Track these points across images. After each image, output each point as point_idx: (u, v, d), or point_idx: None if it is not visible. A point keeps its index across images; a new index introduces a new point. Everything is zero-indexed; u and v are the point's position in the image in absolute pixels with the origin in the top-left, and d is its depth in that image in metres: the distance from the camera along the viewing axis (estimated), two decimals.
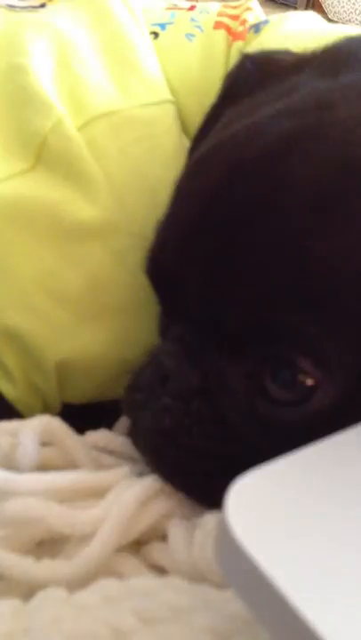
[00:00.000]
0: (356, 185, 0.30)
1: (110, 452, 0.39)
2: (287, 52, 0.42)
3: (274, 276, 0.30)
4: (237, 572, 0.22)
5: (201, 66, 0.49)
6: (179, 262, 0.34)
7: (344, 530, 0.23)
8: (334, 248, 0.30)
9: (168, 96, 0.48)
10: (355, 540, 0.23)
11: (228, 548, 0.22)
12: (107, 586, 0.28)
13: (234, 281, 0.31)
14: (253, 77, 0.39)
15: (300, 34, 0.49)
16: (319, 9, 3.35)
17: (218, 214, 0.32)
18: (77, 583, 0.30)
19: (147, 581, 0.29)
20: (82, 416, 0.43)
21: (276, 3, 3.73)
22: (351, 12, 3.27)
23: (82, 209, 0.43)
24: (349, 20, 3.26)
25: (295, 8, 3.68)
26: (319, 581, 0.21)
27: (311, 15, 0.55)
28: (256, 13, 0.53)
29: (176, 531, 0.33)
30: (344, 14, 3.30)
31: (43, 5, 0.54)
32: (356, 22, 3.22)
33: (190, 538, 0.32)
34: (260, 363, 0.32)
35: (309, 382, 0.31)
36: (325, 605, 0.20)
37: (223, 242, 0.32)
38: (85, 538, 0.33)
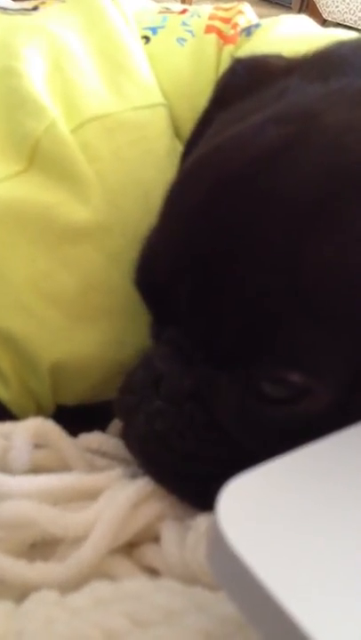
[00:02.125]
0: (343, 191, 0.30)
1: (103, 454, 0.39)
2: (278, 57, 0.42)
3: (263, 290, 0.30)
4: (229, 574, 0.22)
5: (192, 70, 0.49)
6: (168, 278, 0.34)
7: (336, 532, 0.23)
8: (324, 257, 0.29)
9: (160, 99, 0.48)
10: (346, 543, 0.23)
11: (220, 550, 0.23)
12: (99, 588, 0.28)
13: (223, 298, 0.31)
14: (244, 82, 0.39)
15: (291, 38, 0.49)
16: (313, 8, 3.35)
17: (206, 230, 0.32)
18: (70, 585, 0.30)
19: (139, 584, 0.29)
20: (75, 418, 0.44)
21: (271, 2, 3.74)
22: (346, 12, 3.27)
23: (75, 211, 0.43)
24: (344, 20, 3.27)
25: (290, 7, 3.68)
26: (310, 584, 0.21)
27: (303, 19, 0.55)
28: (248, 17, 0.54)
29: (169, 532, 0.33)
30: (338, 14, 3.31)
31: (35, 8, 0.54)
32: (351, 22, 3.23)
33: (183, 540, 0.33)
34: (251, 375, 0.32)
35: (300, 386, 0.31)
36: (317, 608, 0.20)
37: (211, 258, 0.32)
38: (78, 540, 0.33)
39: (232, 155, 0.33)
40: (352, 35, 0.49)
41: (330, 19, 3.34)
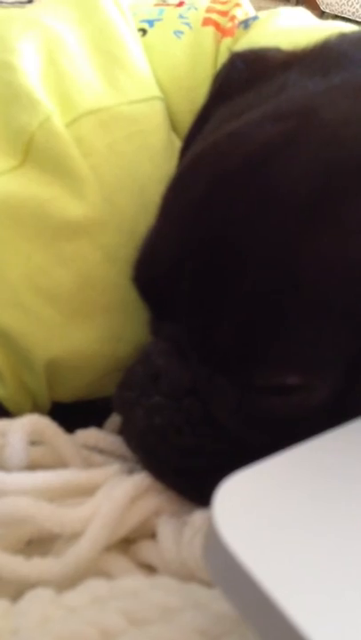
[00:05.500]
0: (340, 186, 0.29)
1: (100, 451, 0.39)
2: (277, 50, 0.41)
3: (261, 287, 0.30)
4: (224, 572, 0.22)
5: (189, 63, 0.49)
6: (167, 275, 0.34)
7: (331, 530, 0.23)
8: (321, 252, 0.29)
9: (157, 93, 0.47)
10: (342, 540, 0.23)
11: (215, 548, 0.23)
12: (95, 586, 0.28)
13: (221, 295, 0.31)
14: (243, 76, 0.39)
15: (289, 30, 0.49)
16: (311, 0, 3.33)
17: (204, 227, 0.32)
18: (67, 582, 0.30)
19: (135, 581, 0.29)
20: (72, 414, 0.43)
21: None
22: (343, 4, 3.26)
23: (70, 206, 0.42)
24: (341, 12, 3.25)
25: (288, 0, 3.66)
26: (306, 582, 0.21)
27: (301, 11, 0.54)
28: (245, 9, 0.53)
29: (165, 528, 0.33)
30: (336, 5, 3.29)
31: (30, 1, 0.53)
32: (349, 14, 3.21)
33: (180, 535, 0.32)
34: (248, 379, 0.32)
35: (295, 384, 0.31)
36: (312, 606, 0.20)
37: (210, 255, 0.32)
38: (75, 536, 0.32)
39: (231, 151, 0.33)
40: (351, 27, 0.48)
41: (328, 10, 3.33)
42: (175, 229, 0.34)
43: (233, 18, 0.51)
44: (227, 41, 0.50)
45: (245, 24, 0.51)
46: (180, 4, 0.53)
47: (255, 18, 0.52)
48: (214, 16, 0.52)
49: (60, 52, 0.47)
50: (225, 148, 0.33)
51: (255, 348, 0.31)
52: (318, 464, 0.26)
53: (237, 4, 0.53)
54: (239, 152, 0.32)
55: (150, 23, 0.51)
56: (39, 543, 0.34)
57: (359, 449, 0.27)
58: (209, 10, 0.52)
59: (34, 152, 0.43)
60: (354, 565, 0.22)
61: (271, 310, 0.30)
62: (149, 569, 0.33)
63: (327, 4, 3.30)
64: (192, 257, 0.32)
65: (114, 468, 0.36)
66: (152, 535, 0.34)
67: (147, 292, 0.37)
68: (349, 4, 3.25)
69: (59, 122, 0.43)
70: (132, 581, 0.29)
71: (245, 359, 0.31)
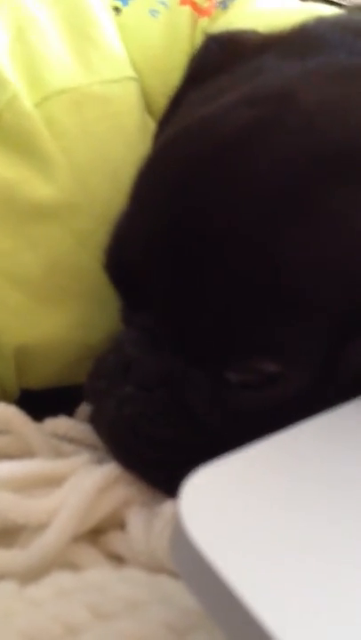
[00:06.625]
0: (316, 174, 0.29)
1: (70, 440, 0.39)
2: (254, 32, 0.41)
3: (237, 276, 0.29)
4: (190, 566, 0.22)
5: (165, 44, 0.48)
6: (138, 263, 0.33)
7: (300, 524, 0.23)
8: (297, 241, 0.29)
9: (131, 73, 0.46)
10: (310, 537, 0.23)
11: (181, 542, 0.22)
12: (60, 579, 0.28)
13: (195, 285, 0.30)
14: (218, 59, 0.38)
15: (268, 12, 0.48)
16: None
17: (176, 215, 0.31)
18: (32, 573, 0.30)
19: (102, 574, 0.28)
20: (41, 402, 0.43)
21: None
22: None
23: (38, 188, 0.41)
24: None
25: None
26: (271, 578, 0.21)
27: None
28: None
29: (135, 519, 0.33)
30: None
31: None
32: None
33: (150, 526, 0.32)
34: (222, 364, 0.31)
35: (271, 372, 0.30)
36: (277, 602, 0.20)
37: (183, 244, 0.31)
38: (42, 527, 0.32)
39: (205, 135, 0.32)
40: (331, 10, 0.47)
41: None
42: (146, 215, 0.33)
43: None
44: (203, 21, 0.49)
45: (223, 4, 0.50)
46: None
47: None
48: None
49: (31, 29, 0.45)
50: (198, 133, 0.33)
51: (231, 337, 0.30)
52: (287, 457, 0.26)
53: None
54: (214, 136, 0.32)
55: (124, 1, 0.50)
56: (4, 534, 0.33)
57: (330, 442, 0.27)
58: None
59: (1, 132, 0.42)
60: (322, 562, 0.22)
61: (247, 298, 0.29)
62: (119, 560, 0.33)
63: None
64: (164, 244, 0.32)
65: (82, 458, 0.36)
66: (122, 526, 0.34)
67: (118, 279, 0.36)
68: None
69: (27, 101, 0.42)
70: (99, 574, 0.28)
71: (220, 347, 0.31)
